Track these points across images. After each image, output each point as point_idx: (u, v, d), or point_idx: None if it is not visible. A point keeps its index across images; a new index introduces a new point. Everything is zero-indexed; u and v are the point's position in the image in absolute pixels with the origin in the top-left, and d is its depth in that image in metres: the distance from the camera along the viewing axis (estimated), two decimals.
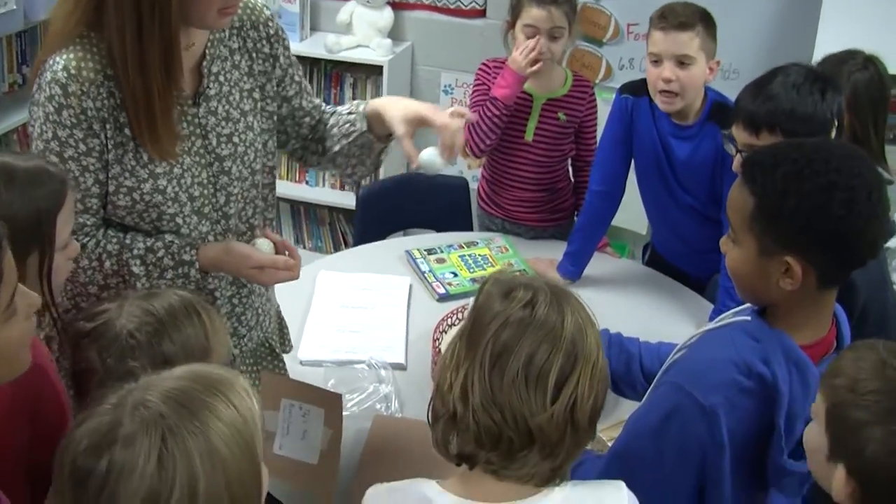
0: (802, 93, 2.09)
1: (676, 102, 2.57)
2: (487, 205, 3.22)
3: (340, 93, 4.24)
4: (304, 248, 4.49)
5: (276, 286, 2.65)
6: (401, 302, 2.72)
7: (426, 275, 2.84)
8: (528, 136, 2.99)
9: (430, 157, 1.97)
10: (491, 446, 1.31)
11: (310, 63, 4.19)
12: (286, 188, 4.23)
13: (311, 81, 4.26)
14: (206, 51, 1.84)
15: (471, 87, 3.14)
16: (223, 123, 1.88)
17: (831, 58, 2.59)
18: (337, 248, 4.41)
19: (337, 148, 2.06)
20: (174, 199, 1.83)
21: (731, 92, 3.16)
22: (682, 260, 2.92)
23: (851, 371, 1.30)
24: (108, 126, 1.74)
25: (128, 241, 1.82)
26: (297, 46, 4.13)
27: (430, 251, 2.97)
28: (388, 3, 4.04)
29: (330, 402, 1.85)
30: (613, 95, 2.81)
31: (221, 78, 1.87)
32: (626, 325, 2.60)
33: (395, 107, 2.00)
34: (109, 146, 1.75)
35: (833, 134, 2.12)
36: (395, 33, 4.12)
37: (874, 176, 1.49)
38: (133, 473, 1.07)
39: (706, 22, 2.54)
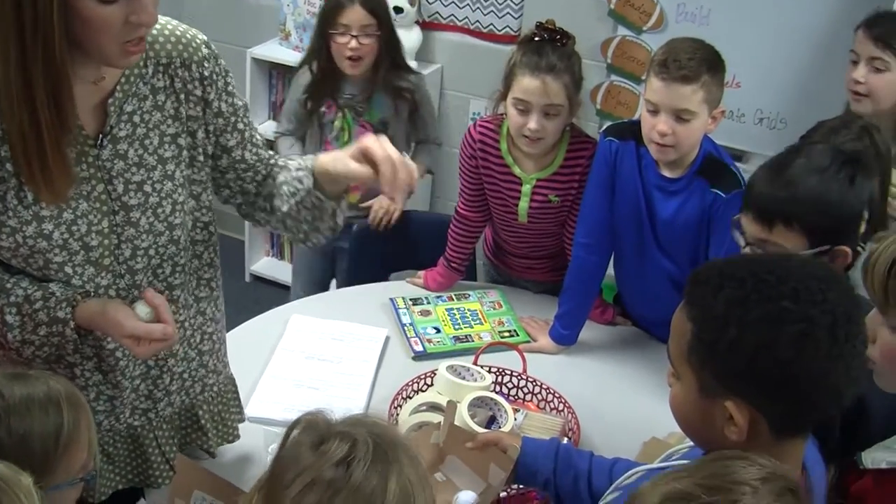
0: (826, 178, 1.78)
1: (671, 153, 2.30)
2: (493, 259, 2.97)
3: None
4: None
5: (241, 331, 2.55)
6: (372, 357, 2.48)
7: (406, 328, 2.60)
8: (522, 219, 2.67)
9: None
10: None
11: None
12: None
13: None
14: (118, 87, 1.61)
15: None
16: (133, 169, 1.65)
17: (823, 126, 2.26)
18: None
19: (285, 209, 1.82)
20: (62, 247, 1.62)
21: (777, 144, 2.88)
22: (652, 326, 2.65)
23: None
24: None
25: (8, 286, 1.63)
26: None
27: (415, 301, 2.72)
28: (418, 22, 3.81)
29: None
30: None
31: (137, 118, 1.65)
32: (626, 402, 2.40)
33: (340, 156, 1.75)
34: None
35: (863, 228, 1.80)
36: (423, 55, 3.89)
37: (846, 304, 1.17)
38: None
39: (713, 70, 2.24)
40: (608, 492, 1.41)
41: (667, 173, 2.37)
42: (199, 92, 1.70)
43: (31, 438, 1.35)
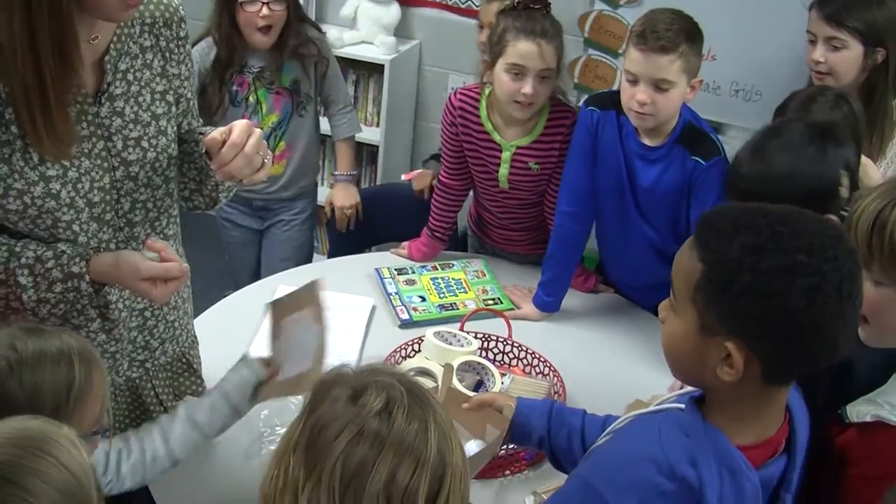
0: (798, 154, 1.85)
1: (650, 121, 2.35)
2: (477, 231, 3.00)
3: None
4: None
5: (228, 302, 2.57)
6: (359, 326, 2.51)
7: (391, 297, 2.63)
8: (503, 185, 2.70)
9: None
10: None
11: None
12: None
13: None
14: (112, 46, 1.66)
15: None
16: (130, 126, 1.70)
17: (799, 94, 2.33)
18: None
19: (177, 163, 1.87)
20: (70, 206, 1.66)
21: (752, 115, 2.92)
22: (635, 293, 2.70)
23: None
24: None
25: (17, 249, 1.66)
26: None
27: (400, 271, 2.76)
28: None
29: (310, 299, 1.81)
30: None
31: (130, 76, 1.70)
32: (610, 366, 2.46)
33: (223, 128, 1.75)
34: None
35: (846, 193, 1.86)
36: (402, 31, 3.90)
37: (852, 264, 1.23)
38: None
39: (691, 40, 2.28)
40: (601, 437, 1.45)
41: (647, 142, 2.41)
42: (177, 51, 1.77)
43: (42, 391, 1.36)
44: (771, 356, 1.23)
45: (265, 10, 2.87)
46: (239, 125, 1.68)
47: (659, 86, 2.28)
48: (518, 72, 2.47)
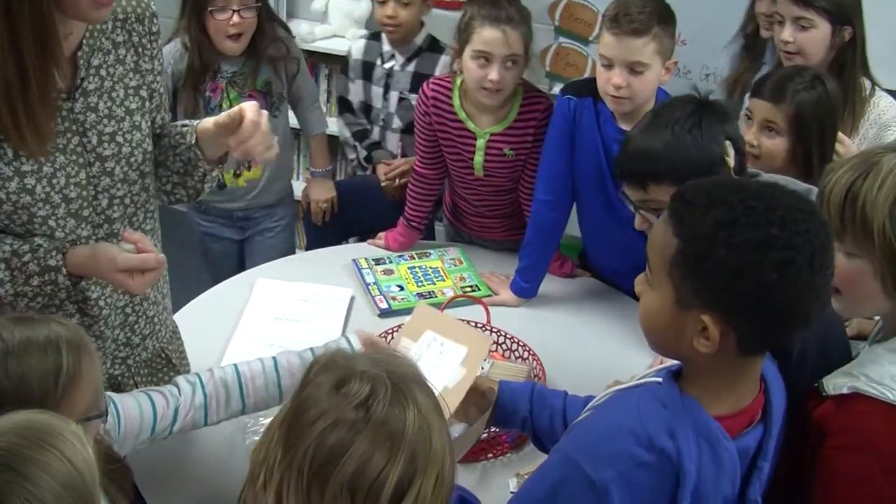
0: (678, 133, 1.87)
1: (626, 105, 2.36)
2: (453, 219, 3.02)
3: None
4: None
5: (209, 296, 2.58)
6: (338, 316, 2.53)
7: (370, 287, 2.64)
8: (478, 172, 2.72)
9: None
10: None
11: None
12: None
13: None
14: (84, 41, 1.66)
15: None
16: (105, 121, 1.71)
17: (774, 74, 2.36)
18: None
19: (160, 158, 1.87)
20: (45, 201, 1.66)
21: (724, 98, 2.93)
22: (619, 277, 2.70)
23: None
24: None
25: None
26: None
27: (377, 261, 2.77)
28: None
29: (476, 344, 1.90)
30: None
31: (103, 72, 1.70)
32: (588, 349, 2.48)
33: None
34: None
35: (732, 163, 1.88)
36: (373, 24, 3.87)
37: (823, 237, 1.25)
38: None
39: (664, 22, 2.31)
40: (582, 412, 1.47)
41: (625, 126, 2.42)
42: (150, 47, 1.78)
43: (28, 380, 1.35)
44: (746, 328, 1.25)
45: (235, 18, 2.82)
46: (250, 105, 1.72)
47: (634, 69, 2.30)
48: (485, 58, 2.50)
